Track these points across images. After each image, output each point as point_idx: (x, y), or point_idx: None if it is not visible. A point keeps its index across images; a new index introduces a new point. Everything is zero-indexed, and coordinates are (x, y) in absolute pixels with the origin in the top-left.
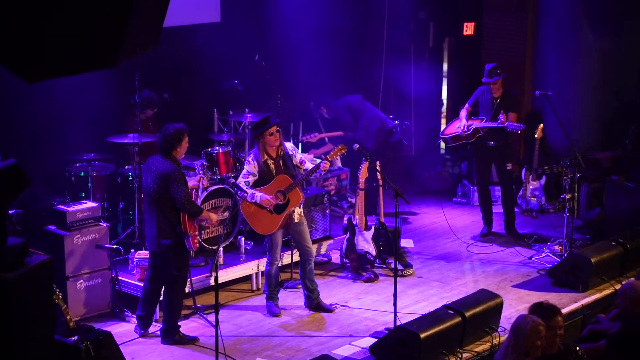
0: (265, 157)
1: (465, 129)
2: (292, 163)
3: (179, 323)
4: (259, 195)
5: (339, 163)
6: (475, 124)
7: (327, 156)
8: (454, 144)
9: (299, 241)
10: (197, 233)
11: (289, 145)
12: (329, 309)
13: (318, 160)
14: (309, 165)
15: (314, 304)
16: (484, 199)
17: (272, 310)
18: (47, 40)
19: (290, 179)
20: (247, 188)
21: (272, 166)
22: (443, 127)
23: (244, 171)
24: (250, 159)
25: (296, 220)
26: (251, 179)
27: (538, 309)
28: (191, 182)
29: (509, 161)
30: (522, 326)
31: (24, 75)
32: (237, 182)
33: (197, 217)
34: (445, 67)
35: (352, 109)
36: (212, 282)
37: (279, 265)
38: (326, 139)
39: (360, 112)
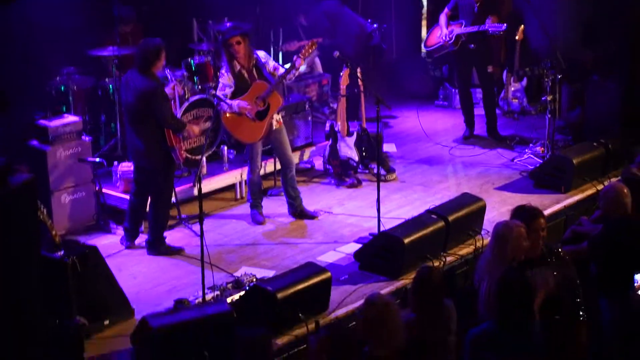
0: (238, 66)
1: (448, 38)
2: (266, 70)
3: (164, 234)
4: (235, 103)
5: (319, 69)
6: (456, 30)
7: (300, 54)
8: (438, 54)
9: (280, 149)
10: (182, 145)
11: (261, 53)
12: (312, 216)
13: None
14: (282, 71)
15: (297, 211)
16: (466, 101)
17: (257, 218)
18: None
19: (267, 84)
20: (223, 100)
21: (246, 75)
22: (423, 32)
23: (219, 85)
24: (223, 71)
25: (275, 128)
26: (228, 91)
27: (520, 211)
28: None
29: (489, 64)
30: (506, 233)
31: None
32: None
33: (181, 132)
34: None
35: (330, 15)
36: (195, 192)
37: (260, 173)
38: None
39: (338, 17)
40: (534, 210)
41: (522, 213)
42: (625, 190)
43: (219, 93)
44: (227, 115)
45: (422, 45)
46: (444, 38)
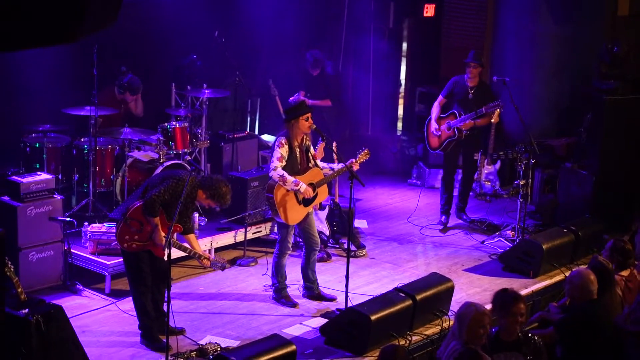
0: (296, 143)
1: (452, 133)
2: (311, 154)
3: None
4: (303, 186)
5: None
6: (453, 122)
7: (356, 159)
8: (449, 147)
9: (308, 230)
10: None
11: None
12: (330, 299)
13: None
14: (321, 163)
15: (315, 294)
16: (447, 187)
17: (287, 302)
18: (3, 12)
19: (322, 175)
20: (286, 174)
21: (298, 154)
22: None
23: (277, 154)
24: (283, 142)
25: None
26: (284, 163)
27: (502, 294)
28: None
29: (477, 150)
30: (465, 314)
31: None
32: (272, 164)
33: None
34: (404, 48)
35: (329, 77)
36: (165, 258)
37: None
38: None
39: (335, 80)
40: (514, 294)
41: (504, 296)
42: (592, 277)
43: (277, 163)
44: (283, 190)
45: (427, 148)
46: (446, 132)
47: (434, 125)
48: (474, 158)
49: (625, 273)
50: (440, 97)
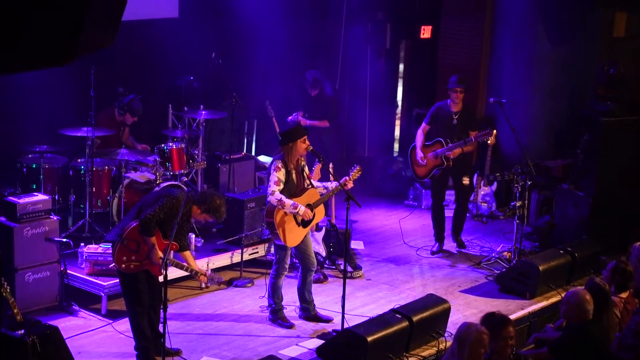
0: (291, 165)
1: (440, 162)
2: (306, 174)
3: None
4: (302, 208)
5: None
6: (440, 151)
7: (349, 177)
8: (435, 176)
9: (304, 251)
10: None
11: None
12: (327, 320)
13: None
14: (315, 182)
15: (311, 315)
16: (438, 215)
17: (285, 324)
18: None
19: (319, 195)
20: (284, 197)
21: (294, 175)
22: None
23: (274, 178)
24: (279, 165)
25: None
26: (281, 186)
27: (490, 318)
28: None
29: (466, 175)
30: (465, 335)
31: None
32: (270, 188)
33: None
34: (401, 69)
35: (329, 98)
36: (161, 279)
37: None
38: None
39: (334, 101)
40: (503, 318)
41: (492, 320)
42: (588, 297)
43: (274, 187)
44: (282, 212)
45: (413, 177)
46: (433, 160)
47: (419, 154)
48: (465, 183)
49: (624, 295)
50: (423, 124)
